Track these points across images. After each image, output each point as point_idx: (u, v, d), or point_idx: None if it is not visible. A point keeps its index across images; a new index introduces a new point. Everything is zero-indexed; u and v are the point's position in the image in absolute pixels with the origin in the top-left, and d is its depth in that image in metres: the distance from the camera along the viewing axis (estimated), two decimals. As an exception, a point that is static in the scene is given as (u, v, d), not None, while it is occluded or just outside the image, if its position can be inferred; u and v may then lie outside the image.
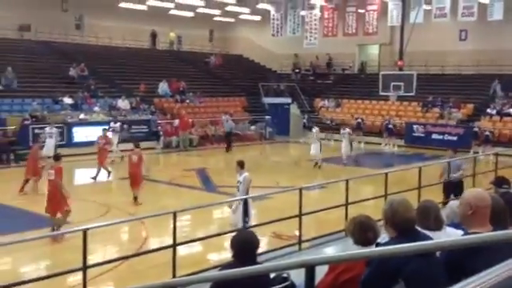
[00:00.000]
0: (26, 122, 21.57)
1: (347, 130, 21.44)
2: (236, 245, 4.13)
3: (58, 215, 11.01)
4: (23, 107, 23.23)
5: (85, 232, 6.72)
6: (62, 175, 11.38)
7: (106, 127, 20.25)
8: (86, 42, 32.16)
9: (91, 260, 7.45)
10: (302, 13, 30.61)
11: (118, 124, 21.94)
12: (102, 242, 9.95)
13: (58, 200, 10.98)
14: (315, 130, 21.46)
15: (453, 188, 11.61)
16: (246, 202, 9.68)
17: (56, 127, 21.06)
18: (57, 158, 12.01)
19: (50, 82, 26.22)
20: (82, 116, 23.82)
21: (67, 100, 24.76)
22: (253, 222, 9.73)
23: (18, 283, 7.06)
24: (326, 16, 30.87)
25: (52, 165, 11.83)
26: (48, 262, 9.98)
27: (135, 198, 13.70)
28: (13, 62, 25.52)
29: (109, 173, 17.57)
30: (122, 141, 21.25)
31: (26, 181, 15.09)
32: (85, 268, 6.74)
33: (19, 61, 26.41)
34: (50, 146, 19.54)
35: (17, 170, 18.11)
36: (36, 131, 21.17)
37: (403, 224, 3.29)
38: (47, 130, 20.60)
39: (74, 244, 8.08)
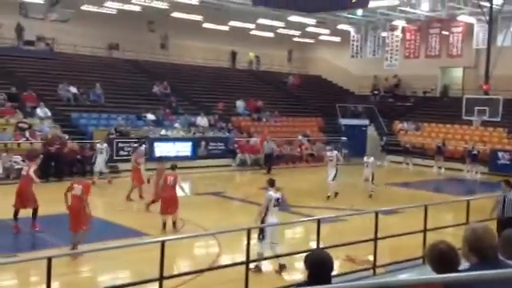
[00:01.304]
0: (111, 136, 22.56)
1: (371, 158, 18.87)
2: (311, 264, 4.06)
3: (81, 232, 10.62)
4: (109, 122, 24.36)
5: (163, 244, 6.91)
6: (90, 192, 10.96)
7: (137, 145, 19.40)
8: (170, 60, 33.37)
9: (167, 272, 7.62)
10: (383, 34, 30.29)
11: (144, 146, 19.84)
12: (176, 254, 10.17)
13: (81, 216, 10.61)
14: (334, 153, 18.65)
15: (505, 227, 10.45)
16: (263, 221, 9.73)
17: (106, 143, 20.42)
18: (84, 174, 11.63)
19: (134, 98, 27.39)
20: (163, 132, 24.65)
21: (150, 116, 25.72)
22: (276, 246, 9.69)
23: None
24: (407, 37, 30.35)
25: (80, 180, 11.49)
26: (126, 272, 10.31)
27: (175, 223, 12.66)
28: (101, 79, 26.97)
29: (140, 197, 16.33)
30: (197, 157, 21.41)
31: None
32: (161, 279, 6.92)
33: (107, 77, 27.83)
34: (100, 162, 19.43)
35: (99, 181, 18.97)
36: (120, 145, 22.07)
37: (487, 250, 3.16)
38: (98, 146, 20.01)
39: (150, 256, 8.31)
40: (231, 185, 21.60)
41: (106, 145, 20.20)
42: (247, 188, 20.40)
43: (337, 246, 9.31)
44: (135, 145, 19.26)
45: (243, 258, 8.05)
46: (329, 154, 18.91)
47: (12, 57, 26.57)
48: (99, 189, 17.74)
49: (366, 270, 9.00)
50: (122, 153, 22.00)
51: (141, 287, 8.12)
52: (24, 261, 9.32)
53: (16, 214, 12.14)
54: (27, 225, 12.05)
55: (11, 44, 27.49)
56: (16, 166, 18.70)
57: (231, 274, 8.36)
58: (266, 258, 9.54)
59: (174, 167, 13.44)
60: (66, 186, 11.02)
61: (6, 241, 11.68)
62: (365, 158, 19.24)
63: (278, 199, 10.01)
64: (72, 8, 27.57)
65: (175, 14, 29.72)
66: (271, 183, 10.23)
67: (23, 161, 17.73)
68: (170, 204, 12.70)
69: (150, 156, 22.82)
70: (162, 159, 13.53)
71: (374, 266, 8.80)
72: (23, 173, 12.70)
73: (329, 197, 17.56)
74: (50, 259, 6.22)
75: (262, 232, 9.66)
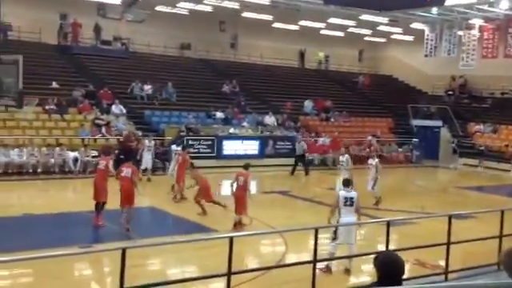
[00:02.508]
0: (182, 134, 23.06)
1: (376, 160, 16.91)
2: (381, 266, 3.93)
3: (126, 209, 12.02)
4: (180, 119, 24.92)
5: (231, 239, 7.00)
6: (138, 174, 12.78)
7: (181, 145, 19.21)
8: (239, 59, 33.71)
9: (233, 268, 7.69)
10: (460, 33, 29.26)
11: (180, 147, 18.96)
12: (243, 251, 10.25)
13: (130, 195, 12.00)
14: (345, 157, 16.88)
15: None
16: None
17: (154, 140, 20.52)
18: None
19: (204, 96, 27.90)
20: (231, 130, 24.94)
21: (219, 114, 26.12)
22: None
23: (165, 282, 7.50)
24: (485, 36, 29.18)
25: (128, 165, 12.68)
26: (193, 266, 10.52)
27: (236, 224, 12.58)
28: (173, 78, 27.66)
29: (177, 196, 15.98)
30: (264, 156, 21.39)
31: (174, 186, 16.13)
32: (229, 274, 7.00)
33: (179, 76, 28.49)
34: (147, 160, 19.61)
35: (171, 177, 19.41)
36: (190, 142, 22.46)
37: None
38: (146, 142, 20.06)
39: (218, 251, 8.42)
40: (298, 184, 21.53)
41: (153, 142, 20.53)
42: (314, 188, 20.27)
43: (406, 248, 9.08)
44: (178, 148, 18.68)
45: (309, 258, 8.01)
46: (340, 158, 16.87)
47: (90, 55, 27.78)
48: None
49: (437, 274, 8.74)
50: (191, 150, 22.38)
51: (209, 281, 8.29)
52: (99, 251, 9.73)
53: (96, 206, 12.59)
54: (105, 217, 12.51)
55: (90, 43, 28.72)
56: (93, 161, 19.47)
57: (298, 273, 8.34)
58: (335, 258, 9.44)
59: (246, 167, 13.31)
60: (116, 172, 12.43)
61: (83, 232, 12.22)
62: (369, 160, 17.53)
63: (349, 198, 9.84)
64: (147, 9, 28.43)
65: (246, 14, 29.99)
66: (345, 183, 10.25)
67: (98, 156, 18.43)
68: (237, 203, 12.82)
69: (218, 154, 23.27)
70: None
71: (446, 272, 8.52)
72: (99, 167, 13.22)
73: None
74: (124, 250, 6.43)
75: (335, 232, 9.60)
